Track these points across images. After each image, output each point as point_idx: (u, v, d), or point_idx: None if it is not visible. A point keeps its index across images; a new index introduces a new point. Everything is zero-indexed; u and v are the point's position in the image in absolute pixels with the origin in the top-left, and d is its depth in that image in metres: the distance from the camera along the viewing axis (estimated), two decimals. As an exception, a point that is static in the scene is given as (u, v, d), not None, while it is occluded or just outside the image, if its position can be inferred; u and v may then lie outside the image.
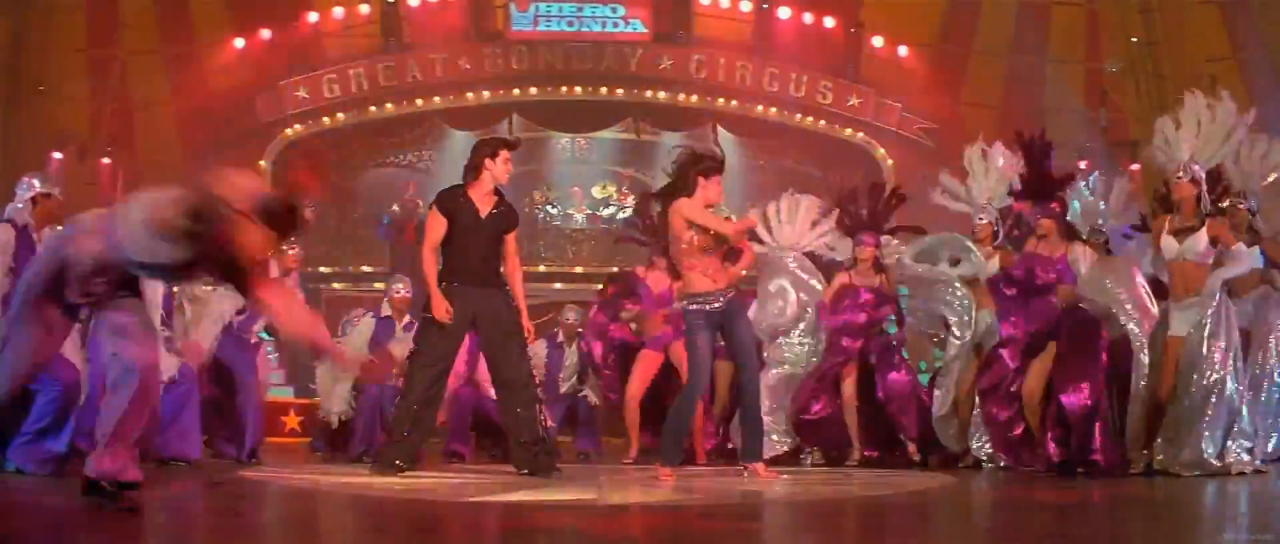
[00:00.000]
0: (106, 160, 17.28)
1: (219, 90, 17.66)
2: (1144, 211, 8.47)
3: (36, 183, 6.78)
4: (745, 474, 6.63)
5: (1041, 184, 8.00)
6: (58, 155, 16.80)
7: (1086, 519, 4.53)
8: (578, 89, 18.02)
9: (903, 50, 18.11)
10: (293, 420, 13.13)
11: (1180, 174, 6.74)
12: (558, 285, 17.17)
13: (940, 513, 4.89)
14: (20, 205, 6.68)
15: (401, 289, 9.15)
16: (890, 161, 17.86)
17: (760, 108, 18.07)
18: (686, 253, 6.44)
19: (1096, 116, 18.18)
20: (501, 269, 6.77)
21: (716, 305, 6.47)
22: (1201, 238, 6.59)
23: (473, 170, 6.70)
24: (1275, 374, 7.70)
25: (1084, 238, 7.96)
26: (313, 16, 17.83)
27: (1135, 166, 17.46)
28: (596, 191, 19.40)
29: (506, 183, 6.79)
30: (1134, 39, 16.63)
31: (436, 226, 6.69)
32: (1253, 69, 17.32)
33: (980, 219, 8.13)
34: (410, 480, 6.06)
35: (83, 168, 17.13)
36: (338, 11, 17.94)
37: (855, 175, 18.47)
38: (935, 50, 18.29)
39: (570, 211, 19.06)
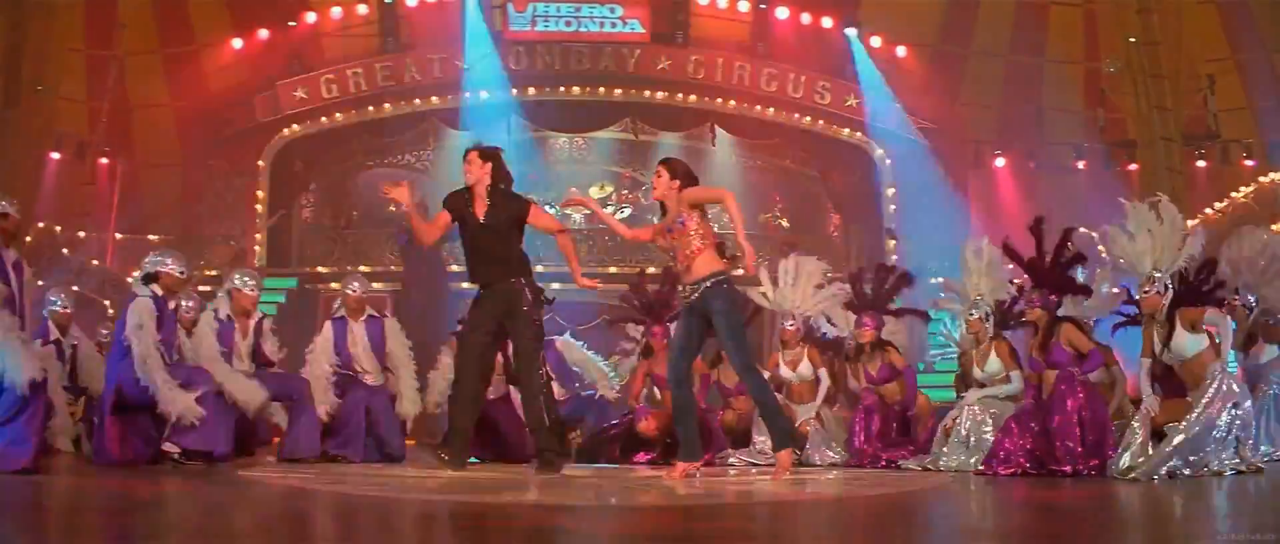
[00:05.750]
0: (104, 160, 17.30)
1: (217, 90, 17.66)
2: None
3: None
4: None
5: (1053, 274, 7.43)
6: (56, 155, 16.81)
7: (1085, 519, 4.52)
8: (575, 89, 18.03)
9: (901, 50, 18.12)
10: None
11: (1146, 288, 6.80)
12: (556, 286, 17.14)
13: (940, 512, 4.88)
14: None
15: (357, 288, 8.93)
16: (888, 162, 17.88)
17: (758, 108, 18.07)
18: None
19: (1094, 117, 18.23)
20: (511, 260, 7.18)
21: (688, 295, 6.42)
22: (1182, 334, 6.63)
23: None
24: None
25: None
26: (311, 17, 17.84)
27: (1133, 166, 17.52)
28: (594, 191, 19.40)
29: (471, 181, 7.16)
30: (1132, 39, 16.63)
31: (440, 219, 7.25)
32: (1251, 69, 17.34)
33: (971, 314, 8.10)
34: (408, 481, 6.05)
35: (81, 167, 17.15)
36: (336, 12, 17.94)
37: (853, 176, 18.67)
38: (933, 50, 18.31)
39: (568, 211, 19.04)
